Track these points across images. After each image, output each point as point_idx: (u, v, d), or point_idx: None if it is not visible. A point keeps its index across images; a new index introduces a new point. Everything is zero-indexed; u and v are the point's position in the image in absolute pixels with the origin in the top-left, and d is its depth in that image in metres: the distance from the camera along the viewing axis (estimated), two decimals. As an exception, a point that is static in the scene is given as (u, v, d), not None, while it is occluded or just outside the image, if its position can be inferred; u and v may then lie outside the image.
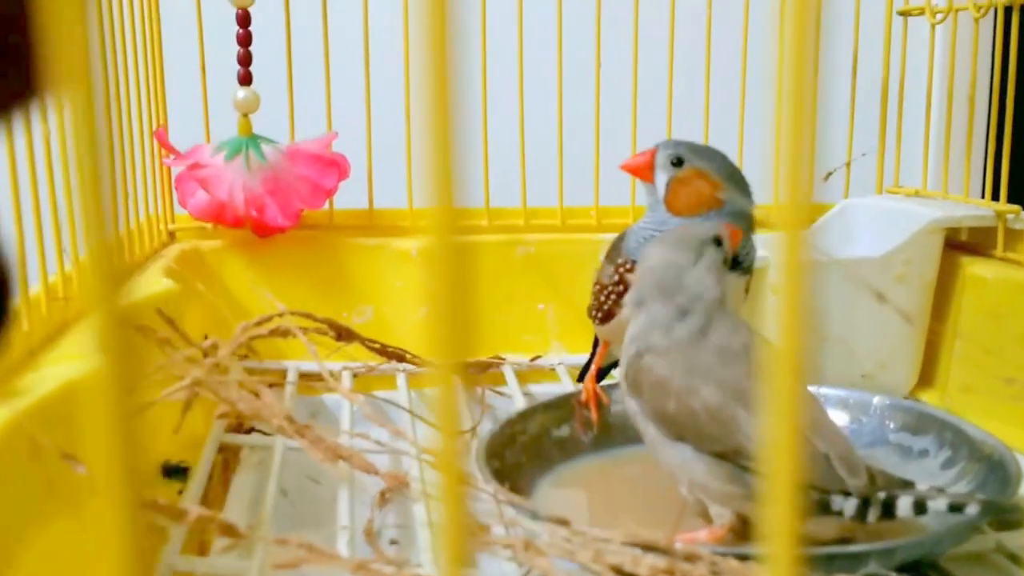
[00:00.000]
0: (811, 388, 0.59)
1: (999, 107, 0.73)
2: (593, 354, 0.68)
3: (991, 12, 0.74)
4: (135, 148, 0.75)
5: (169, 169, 0.83)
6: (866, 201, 0.81)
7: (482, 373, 0.77)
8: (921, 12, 0.82)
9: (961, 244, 0.76)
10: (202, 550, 0.55)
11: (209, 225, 0.83)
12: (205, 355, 0.57)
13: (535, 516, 0.47)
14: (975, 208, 0.74)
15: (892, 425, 0.61)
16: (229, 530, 0.43)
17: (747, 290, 0.61)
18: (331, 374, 0.61)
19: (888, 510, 0.46)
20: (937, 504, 0.46)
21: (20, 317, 0.51)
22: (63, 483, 0.44)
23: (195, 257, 0.82)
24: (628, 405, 0.53)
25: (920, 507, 0.46)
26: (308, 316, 0.65)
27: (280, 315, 0.63)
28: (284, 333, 0.62)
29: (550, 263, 0.85)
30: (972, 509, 0.45)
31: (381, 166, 0.84)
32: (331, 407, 0.78)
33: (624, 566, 0.41)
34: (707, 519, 0.51)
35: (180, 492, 0.57)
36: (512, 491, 0.50)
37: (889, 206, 0.78)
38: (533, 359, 0.81)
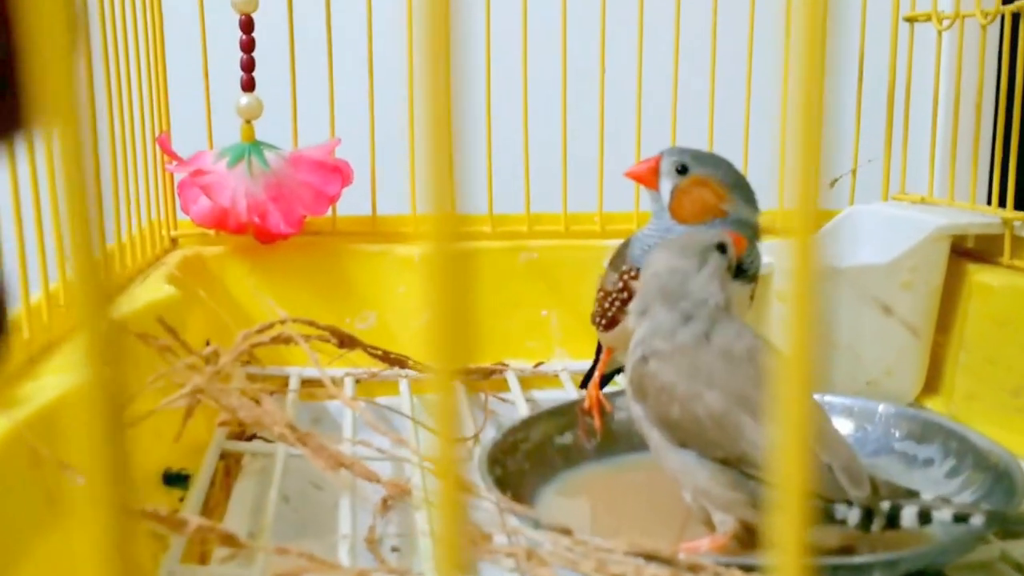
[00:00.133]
0: (815, 396, 0.59)
1: (1006, 114, 0.73)
2: (597, 360, 0.67)
3: (998, 18, 0.74)
4: (138, 154, 0.75)
5: (172, 175, 0.83)
6: (872, 208, 0.81)
7: (485, 379, 0.76)
8: (928, 18, 0.82)
9: (967, 251, 0.76)
10: (203, 559, 0.54)
11: (211, 231, 0.83)
12: (207, 362, 0.57)
13: (537, 525, 0.46)
14: (981, 215, 0.74)
15: (897, 433, 0.61)
16: (229, 540, 0.43)
17: (752, 298, 0.61)
18: (333, 380, 0.60)
19: (892, 520, 0.46)
20: (942, 514, 0.45)
21: (20, 325, 0.51)
22: (63, 492, 0.44)
23: (197, 263, 0.82)
24: (632, 410, 0.52)
25: (925, 517, 0.46)
26: (310, 323, 0.65)
27: (282, 322, 0.63)
28: (286, 340, 0.62)
29: (554, 269, 0.84)
30: (977, 520, 0.45)
31: (384, 172, 0.84)
32: (334, 413, 0.78)
33: (627, 576, 0.40)
34: (711, 526, 0.50)
35: (182, 499, 0.57)
36: (515, 499, 0.50)
37: (895, 213, 0.78)
38: (536, 365, 0.81)
